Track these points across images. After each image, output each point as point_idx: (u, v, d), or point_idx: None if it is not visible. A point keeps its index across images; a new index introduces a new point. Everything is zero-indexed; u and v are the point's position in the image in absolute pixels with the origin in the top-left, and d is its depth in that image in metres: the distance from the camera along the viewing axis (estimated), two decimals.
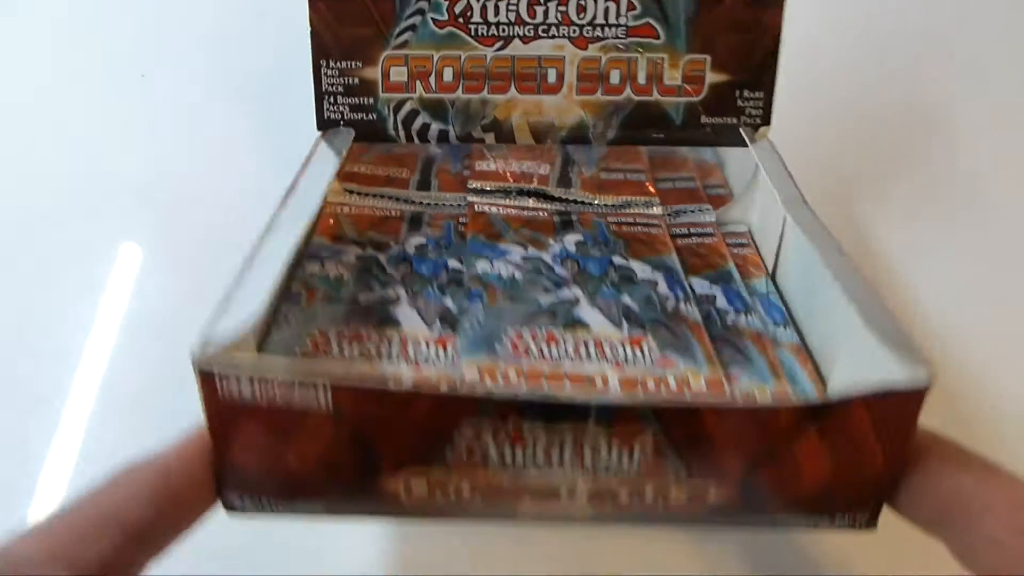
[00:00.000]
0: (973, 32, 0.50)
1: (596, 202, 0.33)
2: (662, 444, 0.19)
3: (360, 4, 0.30)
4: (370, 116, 0.32)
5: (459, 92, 0.31)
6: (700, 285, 0.28)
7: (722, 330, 0.26)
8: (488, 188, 0.33)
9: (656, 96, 0.32)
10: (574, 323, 0.25)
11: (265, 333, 0.24)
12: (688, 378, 0.23)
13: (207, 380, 0.19)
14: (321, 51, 0.31)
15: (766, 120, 0.32)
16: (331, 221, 0.31)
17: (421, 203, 0.33)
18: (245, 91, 0.43)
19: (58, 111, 0.44)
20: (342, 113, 0.32)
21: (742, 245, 0.31)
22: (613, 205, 0.33)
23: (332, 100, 0.31)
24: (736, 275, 0.29)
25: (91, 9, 0.49)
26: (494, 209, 0.32)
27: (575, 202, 0.33)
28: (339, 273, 0.27)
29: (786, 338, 0.26)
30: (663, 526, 0.28)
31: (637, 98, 0.32)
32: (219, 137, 0.42)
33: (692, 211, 0.33)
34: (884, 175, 0.42)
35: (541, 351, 0.24)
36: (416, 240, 0.30)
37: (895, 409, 0.18)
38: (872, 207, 0.40)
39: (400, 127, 0.32)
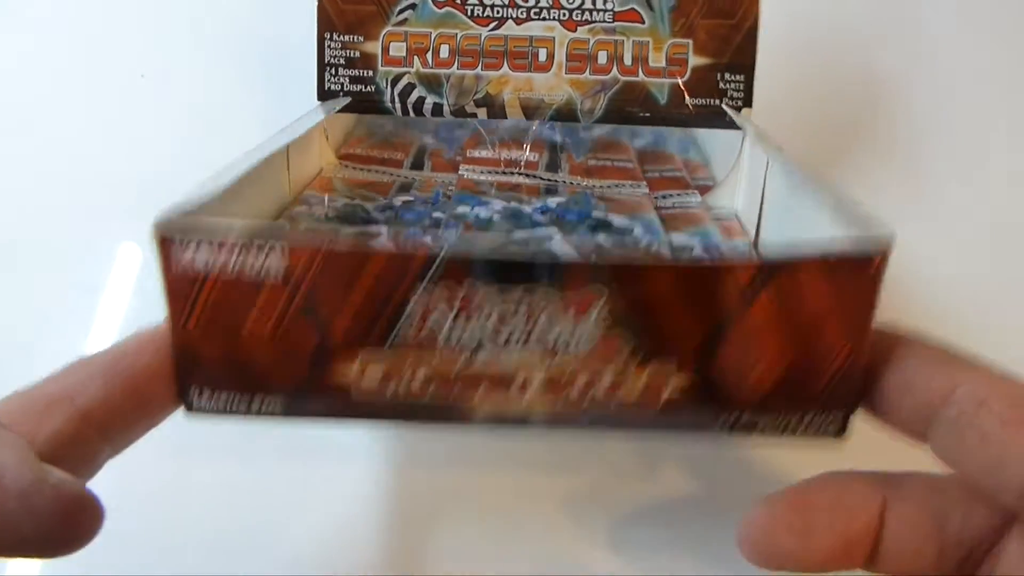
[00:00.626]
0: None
1: (584, 183, 0.34)
2: (616, 311, 0.19)
3: None
4: (368, 88, 0.33)
5: (454, 68, 0.33)
6: (679, 238, 0.29)
7: None
8: (479, 170, 0.34)
9: (642, 77, 0.33)
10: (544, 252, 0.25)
11: None
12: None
13: (165, 247, 0.19)
14: (326, 24, 0.33)
15: (748, 102, 0.33)
16: (322, 180, 0.32)
17: (413, 178, 0.34)
18: (252, 88, 0.44)
19: (57, 108, 0.44)
20: (342, 84, 0.33)
21: (727, 219, 0.32)
22: (601, 186, 0.34)
23: (333, 72, 0.33)
24: (717, 232, 0.29)
25: (92, 7, 0.49)
26: (483, 177, 0.33)
27: (563, 182, 0.34)
28: (324, 213, 0.28)
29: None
30: (620, 433, 0.27)
31: (624, 78, 0.33)
32: (221, 137, 0.43)
33: (678, 195, 0.34)
34: (866, 159, 0.43)
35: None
36: (404, 197, 0.31)
37: (852, 276, 0.18)
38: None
39: (396, 99, 0.33)
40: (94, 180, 0.42)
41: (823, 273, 0.18)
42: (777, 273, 0.18)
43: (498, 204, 0.29)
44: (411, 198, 0.31)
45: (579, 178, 0.34)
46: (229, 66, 0.42)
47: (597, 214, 0.29)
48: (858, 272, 0.19)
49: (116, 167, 0.42)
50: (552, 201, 0.30)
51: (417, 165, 0.35)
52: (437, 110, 0.33)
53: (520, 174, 0.34)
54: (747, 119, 0.32)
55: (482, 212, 0.28)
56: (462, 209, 0.28)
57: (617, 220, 0.29)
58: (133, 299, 0.36)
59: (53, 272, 0.37)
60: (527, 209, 0.29)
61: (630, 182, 0.34)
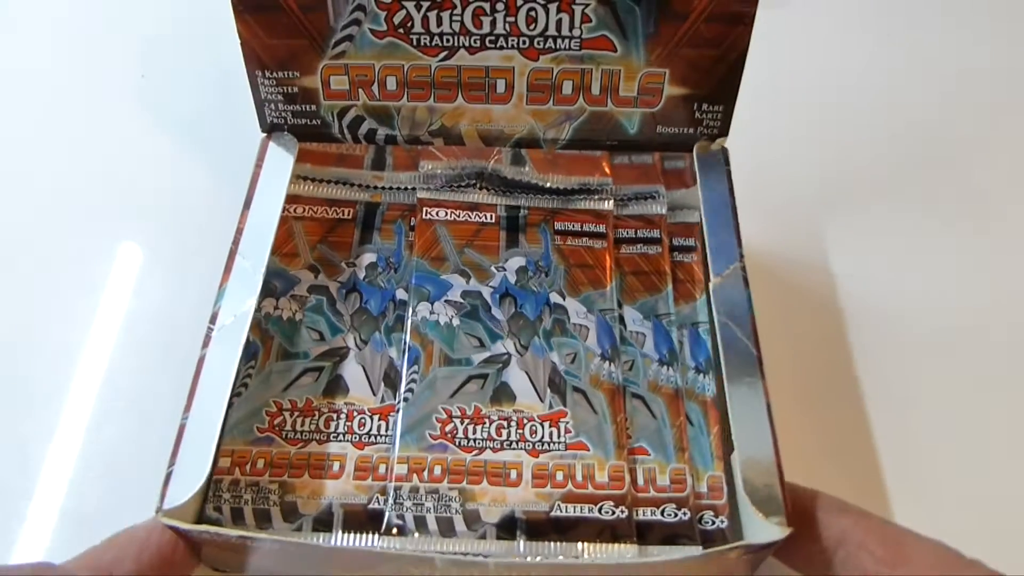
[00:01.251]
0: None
1: (548, 185, 0.33)
2: None
3: (289, 17, 0.28)
4: (314, 122, 0.31)
5: (404, 100, 0.30)
6: (633, 318, 0.30)
7: (642, 390, 0.28)
8: (439, 172, 0.33)
9: (610, 106, 0.30)
10: (501, 392, 0.28)
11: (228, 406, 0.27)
12: (594, 469, 0.26)
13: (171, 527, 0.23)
14: (255, 62, 0.29)
15: (724, 132, 0.31)
16: (285, 234, 0.31)
17: (375, 187, 0.33)
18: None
19: (58, 110, 0.43)
20: (285, 118, 0.31)
21: (688, 249, 0.32)
22: (565, 191, 0.33)
23: (273, 107, 0.30)
24: (671, 302, 0.30)
25: (92, 9, 0.47)
26: (441, 214, 0.32)
27: (526, 187, 0.33)
28: (292, 313, 0.29)
29: (702, 389, 0.28)
30: None
31: (590, 108, 0.30)
32: (219, 137, 0.41)
33: (645, 198, 0.33)
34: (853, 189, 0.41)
35: (467, 433, 0.27)
36: (367, 258, 0.31)
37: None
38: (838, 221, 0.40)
39: (346, 131, 0.31)
40: (94, 180, 0.40)
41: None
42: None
43: (457, 289, 0.30)
44: (373, 258, 0.31)
45: (543, 175, 0.33)
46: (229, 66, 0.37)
47: (555, 298, 0.30)
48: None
49: (117, 167, 0.41)
50: (512, 269, 0.31)
51: (378, 163, 0.34)
52: (390, 141, 0.31)
53: (483, 174, 0.33)
54: (715, 152, 0.30)
55: (442, 316, 0.29)
56: (422, 311, 0.29)
57: (574, 312, 0.30)
58: (133, 299, 0.37)
59: (53, 272, 0.37)
60: (486, 295, 0.30)
61: (596, 179, 0.33)
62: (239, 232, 0.28)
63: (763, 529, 0.23)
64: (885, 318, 0.36)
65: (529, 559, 0.24)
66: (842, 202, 0.41)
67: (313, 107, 0.30)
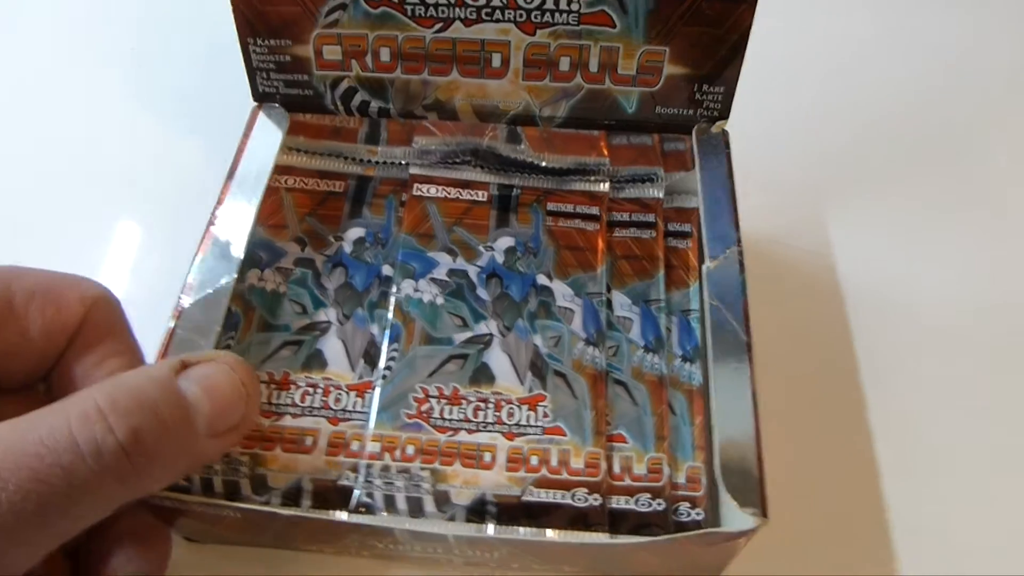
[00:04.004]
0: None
1: (543, 164, 0.32)
2: None
3: None
4: (306, 92, 0.30)
5: (398, 72, 0.30)
6: (621, 303, 0.29)
7: (625, 376, 0.28)
8: (433, 147, 0.32)
9: (608, 84, 0.29)
10: (480, 373, 0.27)
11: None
12: (570, 455, 0.26)
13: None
14: (247, 28, 0.29)
15: (724, 114, 0.30)
16: (274, 204, 0.31)
17: (368, 161, 0.32)
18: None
19: (51, 93, 0.43)
20: (276, 87, 0.30)
21: (683, 235, 0.31)
22: (560, 170, 0.32)
23: (265, 75, 0.30)
24: (662, 289, 0.29)
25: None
26: (432, 190, 0.31)
27: (521, 165, 0.32)
28: (275, 286, 0.29)
29: (687, 378, 0.28)
30: None
31: (588, 85, 0.29)
32: (212, 110, 0.40)
33: (642, 180, 0.32)
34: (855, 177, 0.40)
35: (443, 413, 0.26)
36: (355, 232, 0.31)
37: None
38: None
39: (339, 103, 0.31)
40: (91, 166, 0.40)
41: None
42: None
43: (443, 267, 0.29)
44: (362, 232, 0.31)
45: (539, 153, 0.32)
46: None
47: (542, 280, 0.29)
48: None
49: (113, 151, 0.40)
50: (500, 249, 0.30)
51: (373, 137, 0.33)
52: (384, 114, 0.31)
53: (477, 151, 0.32)
54: (716, 134, 0.30)
55: (426, 294, 0.29)
56: (407, 288, 0.29)
57: (560, 294, 0.29)
58: (129, 278, 0.36)
59: (44, 249, 0.36)
60: (472, 274, 0.29)
61: (593, 160, 0.32)
62: (219, 203, 0.28)
63: (736, 517, 0.22)
64: (885, 304, 0.35)
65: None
66: (845, 186, 0.40)
67: (306, 77, 0.30)
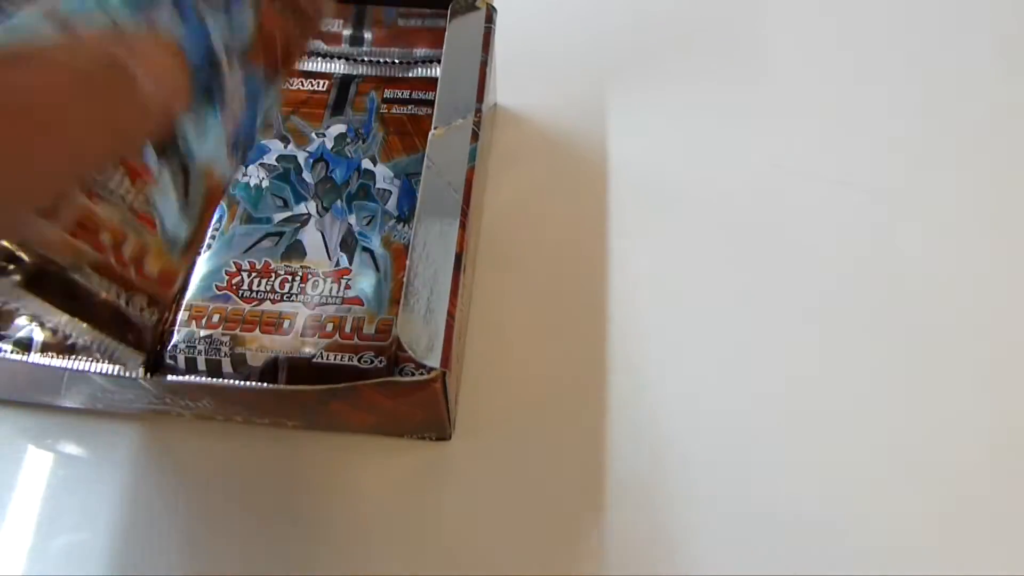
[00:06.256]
0: None
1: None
2: None
3: None
4: None
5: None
6: (383, 176, 0.30)
7: (374, 244, 0.29)
8: None
9: None
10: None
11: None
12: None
13: None
14: None
15: None
16: None
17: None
18: None
19: None
20: None
21: (428, 103, 0.32)
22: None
23: None
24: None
25: None
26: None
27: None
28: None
29: (398, 237, 0.29)
30: None
31: None
32: None
33: (431, 60, 0.33)
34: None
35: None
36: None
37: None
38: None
39: None
40: None
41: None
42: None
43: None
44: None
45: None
46: None
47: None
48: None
49: None
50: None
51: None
52: None
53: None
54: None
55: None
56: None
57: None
58: None
59: None
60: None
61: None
62: None
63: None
64: (646, 188, 0.35)
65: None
66: (623, 70, 0.39)
67: None
